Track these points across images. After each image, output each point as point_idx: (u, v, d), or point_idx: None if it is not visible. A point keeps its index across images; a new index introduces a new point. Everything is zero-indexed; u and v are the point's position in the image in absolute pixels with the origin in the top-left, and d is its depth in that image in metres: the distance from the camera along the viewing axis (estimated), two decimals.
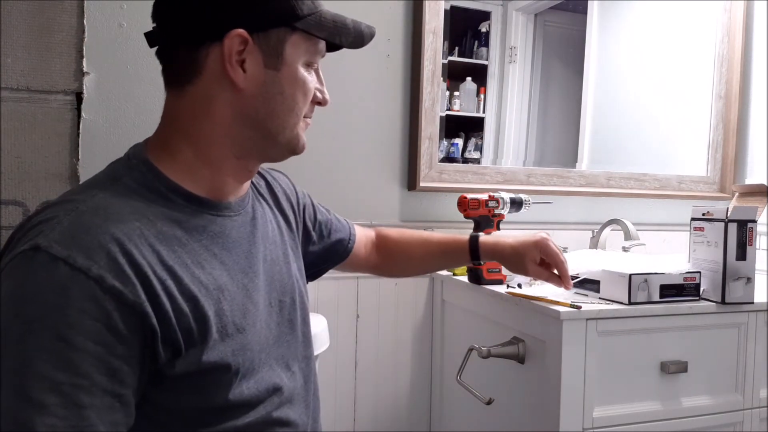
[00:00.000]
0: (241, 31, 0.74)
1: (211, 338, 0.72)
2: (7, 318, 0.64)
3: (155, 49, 0.80)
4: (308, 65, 0.81)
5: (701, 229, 1.36)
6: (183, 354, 0.70)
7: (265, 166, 0.99)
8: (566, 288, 1.19)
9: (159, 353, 0.68)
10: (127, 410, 0.67)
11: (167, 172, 0.77)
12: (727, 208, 1.32)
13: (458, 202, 1.50)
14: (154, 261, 0.69)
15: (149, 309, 0.67)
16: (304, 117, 0.83)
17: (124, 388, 0.66)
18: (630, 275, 1.27)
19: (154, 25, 0.79)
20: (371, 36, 0.85)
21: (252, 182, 0.93)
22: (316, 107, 0.85)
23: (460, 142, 1.85)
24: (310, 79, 0.81)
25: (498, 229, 1.51)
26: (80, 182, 1.28)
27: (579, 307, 1.22)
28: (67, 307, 0.63)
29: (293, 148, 0.83)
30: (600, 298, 1.33)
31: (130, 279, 0.66)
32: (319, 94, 0.83)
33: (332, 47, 0.84)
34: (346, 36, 0.81)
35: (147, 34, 0.79)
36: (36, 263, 0.64)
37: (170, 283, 0.70)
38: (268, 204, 0.94)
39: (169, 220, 0.74)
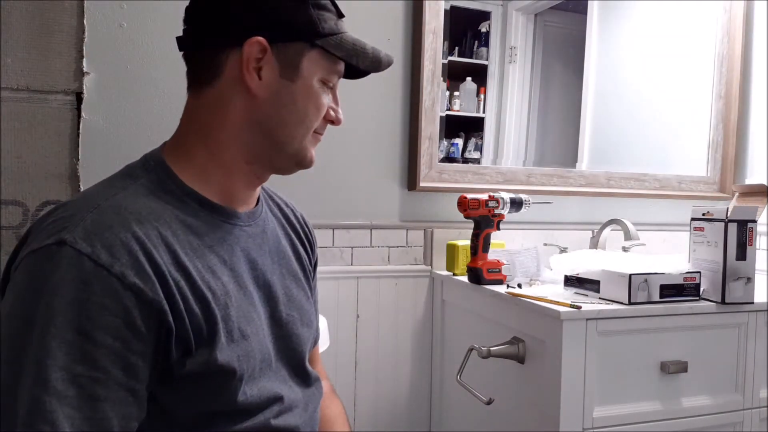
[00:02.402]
0: (261, 39, 0.77)
1: (219, 341, 0.74)
2: (30, 308, 0.66)
3: (182, 53, 0.83)
4: (324, 83, 0.83)
5: (701, 229, 1.36)
6: (193, 353, 0.72)
7: (280, 193, 1.01)
8: None
9: (171, 351, 0.70)
10: (140, 404, 0.69)
11: (182, 175, 0.79)
12: (727, 208, 1.32)
13: (458, 202, 1.50)
14: (169, 262, 0.72)
15: (166, 307, 0.69)
16: (315, 132, 0.85)
17: (139, 383, 0.68)
18: (630, 275, 1.27)
19: (185, 27, 0.82)
20: (389, 64, 0.87)
21: (270, 201, 0.95)
22: (329, 126, 0.87)
23: (460, 142, 1.85)
24: (324, 95, 0.83)
25: (498, 229, 1.51)
26: (80, 182, 1.28)
27: (579, 307, 1.22)
28: (89, 302, 0.65)
29: (300, 161, 0.85)
30: (600, 298, 1.33)
31: (149, 277, 0.69)
32: (332, 113, 0.86)
33: (351, 73, 0.87)
34: (363, 59, 0.83)
35: (178, 38, 0.83)
36: (61, 257, 0.66)
37: (183, 284, 0.72)
38: (283, 227, 0.95)
39: (183, 223, 0.76)
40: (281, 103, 0.80)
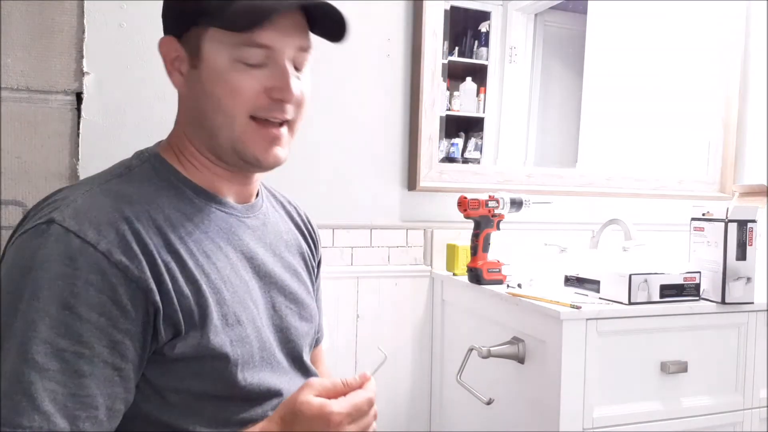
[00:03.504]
0: (167, 37, 0.79)
1: (211, 323, 0.74)
2: (17, 283, 0.67)
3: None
4: (240, 61, 0.75)
5: (701, 229, 1.36)
6: (183, 335, 0.72)
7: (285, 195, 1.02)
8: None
9: (160, 331, 0.71)
10: (126, 385, 0.69)
11: (177, 166, 0.81)
12: (727, 208, 1.32)
13: (458, 202, 1.50)
14: (159, 243, 0.72)
15: (153, 285, 0.70)
16: (255, 119, 0.77)
17: (125, 362, 0.69)
18: (630, 275, 1.27)
19: None
20: (293, 6, 0.75)
21: (272, 198, 0.96)
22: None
23: (460, 142, 1.85)
24: (244, 75, 0.75)
25: (498, 229, 1.51)
26: None
27: (579, 307, 1.22)
28: (74, 278, 0.66)
29: (242, 154, 0.78)
30: (600, 298, 1.33)
31: (136, 256, 0.69)
32: (276, 92, 0.76)
33: (326, 34, 0.79)
34: (256, 15, 0.72)
35: None
36: (48, 235, 0.68)
37: (174, 266, 0.73)
38: (286, 224, 0.96)
39: (178, 209, 0.77)
40: (195, 93, 0.79)
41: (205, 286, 0.74)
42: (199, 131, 0.80)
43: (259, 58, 0.75)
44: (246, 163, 0.80)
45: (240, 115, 0.76)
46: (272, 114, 0.77)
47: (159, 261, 0.71)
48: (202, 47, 0.76)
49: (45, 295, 0.65)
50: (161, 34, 0.82)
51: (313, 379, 0.73)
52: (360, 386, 0.73)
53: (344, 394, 0.72)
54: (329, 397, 0.71)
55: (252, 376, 0.78)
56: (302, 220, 1.00)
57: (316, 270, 1.01)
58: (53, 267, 0.66)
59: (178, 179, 0.80)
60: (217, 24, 0.74)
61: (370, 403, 0.73)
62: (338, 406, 0.70)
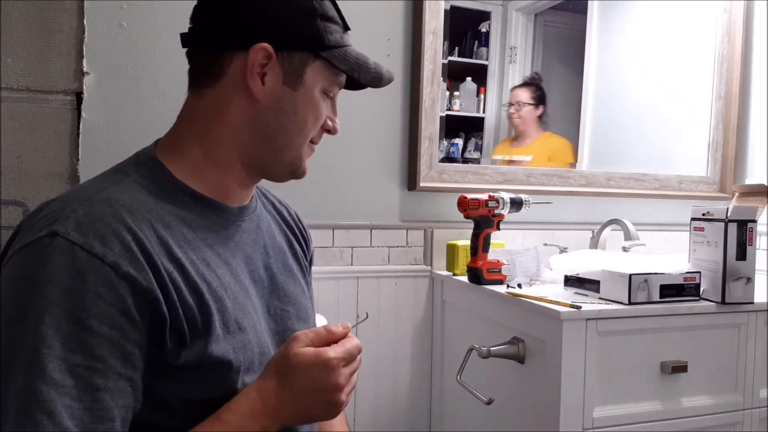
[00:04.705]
0: (267, 45, 0.78)
1: (214, 332, 0.74)
2: (24, 299, 0.66)
3: (186, 50, 0.83)
4: (325, 93, 0.84)
5: (701, 229, 1.36)
6: (187, 344, 0.72)
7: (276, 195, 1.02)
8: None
9: (166, 341, 0.70)
10: (136, 395, 0.69)
11: (174, 171, 0.80)
12: (727, 208, 1.32)
13: (458, 202, 1.50)
14: (162, 253, 0.72)
15: (160, 296, 0.69)
16: (311, 142, 0.86)
17: (136, 372, 0.69)
18: (630, 275, 1.27)
19: (190, 26, 0.82)
20: (389, 80, 0.88)
21: (263, 198, 0.96)
22: (324, 135, 0.88)
23: (460, 142, 1.85)
24: (324, 105, 0.84)
25: (498, 229, 1.51)
26: (80, 182, 1.28)
27: (579, 307, 1.22)
28: (83, 291, 0.65)
29: (294, 170, 0.85)
30: (600, 298, 1.33)
31: (143, 266, 0.69)
32: (329, 122, 0.87)
33: (350, 85, 0.88)
34: (365, 74, 0.84)
35: (182, 35, 0.83)
36: (53, 248, 0.67)
37: (177, 275, 0.72)
38: (278, 223, 0.96)
39: (176, 217, 0.77)
40: (282, 110, 0.81)
41: (207, 295, 0.74)
42: (256, 141, 0.81)
43: (335, 93, 0.87)
44: (290, 176, 0.86)
45: (309, 138, 0.85)
46: (317, 140, 0.88)
47: (163, 271, 0.71)
48: (305, 73, 0.81)
49: (55, 311, 0.64)
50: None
51: (298, 333, 0.77)
52: (344, 334, 0.79)
53: (329, 341, 0.77)
54: (319, 346, 0.76)
55: (251, 381, 0.78)
56: (292, 219, 1.00)
57: (308, 268, 1.01)
58: (61, 281, 0.65)
59: (175, 185, 0.79)
60: (343, 68, 0.82)
61: (359, 349, 0.79)
62: (333, 351, 0.75)
